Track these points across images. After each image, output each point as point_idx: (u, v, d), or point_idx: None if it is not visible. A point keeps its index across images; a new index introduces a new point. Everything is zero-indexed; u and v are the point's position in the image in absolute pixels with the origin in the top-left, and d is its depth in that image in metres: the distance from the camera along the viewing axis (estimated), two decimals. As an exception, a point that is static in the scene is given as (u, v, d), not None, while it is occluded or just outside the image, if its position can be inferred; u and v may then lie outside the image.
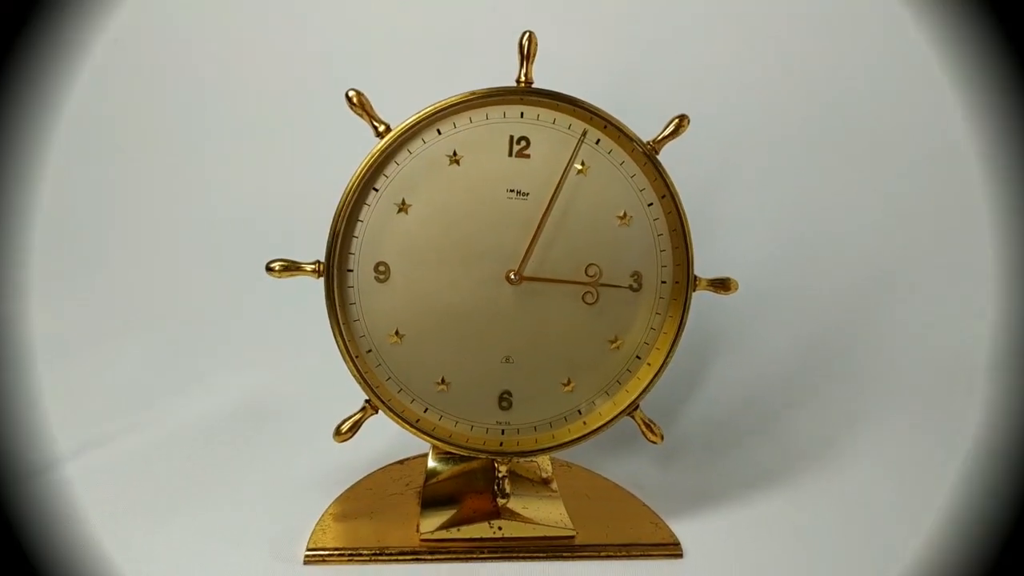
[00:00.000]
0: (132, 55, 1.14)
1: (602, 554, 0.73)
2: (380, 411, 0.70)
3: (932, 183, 1.04)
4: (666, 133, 0.71)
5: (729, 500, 0.85)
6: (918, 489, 0.89)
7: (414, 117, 0.66)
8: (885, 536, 0.80)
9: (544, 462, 0.79)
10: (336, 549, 0.70)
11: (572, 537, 0.74)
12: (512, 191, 0.69)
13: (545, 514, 0.75)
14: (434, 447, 0.76)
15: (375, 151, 0.66)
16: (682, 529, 0.77)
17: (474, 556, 0.71)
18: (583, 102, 0.68)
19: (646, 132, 0.71)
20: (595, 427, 0.74)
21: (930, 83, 1.03)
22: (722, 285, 0.74)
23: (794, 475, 0.90)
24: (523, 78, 0.69)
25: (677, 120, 0.72)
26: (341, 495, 0.78)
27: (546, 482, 0.79)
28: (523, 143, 0.69)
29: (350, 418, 0.70)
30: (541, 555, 0.72)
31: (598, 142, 0.70)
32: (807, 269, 1.03)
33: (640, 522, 0.78)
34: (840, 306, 1.04)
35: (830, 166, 1.04)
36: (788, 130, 1.04)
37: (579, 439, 0.73)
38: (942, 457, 0.93)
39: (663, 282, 0.74)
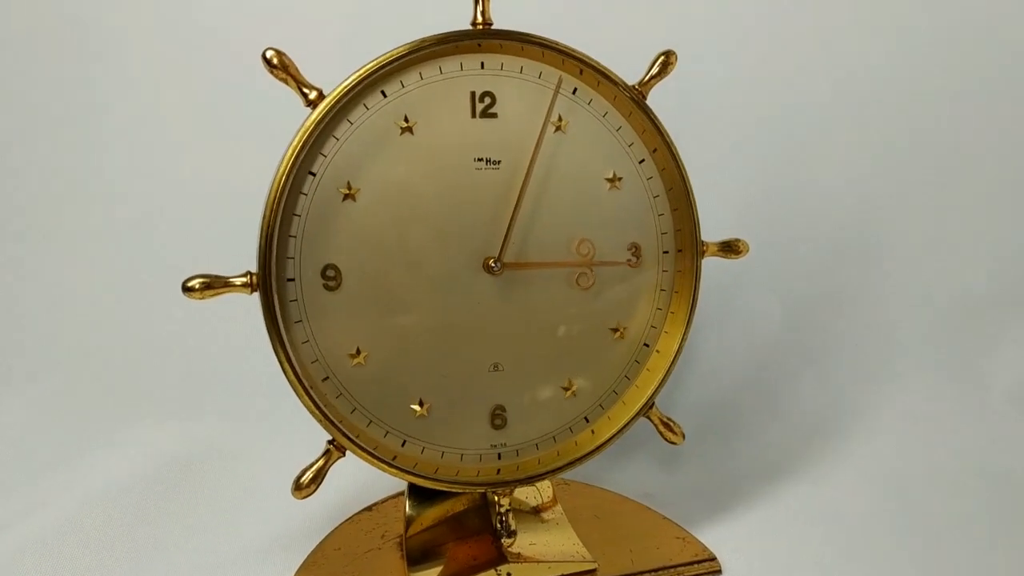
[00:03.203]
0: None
1: (634, 585, 0.61)
2: (348, 451, 0.56)
3: (922, 128, 0.96)
4: (652, 73, 0.61)
5: (750, 494, 0.77)
6: (948, 447, 0.83)
7: (352, 77, 0.53)
8: (925, 504, 0.74)
9: (543, 484, 0.66)
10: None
11: (594, 570, 0.62)
12: (480, 160, 0.57)
13: (557, 547, 0.63)
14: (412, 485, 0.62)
15: (307, 124, 0.52)
16: (710, 537, 0.68)
17: (485, 615, 0.59)
18: (553, 42, 0.57)
19: (627, 76, 0.60)
20: (606, 436, 0.63)
21: (920, 25, 0.94)
22: (731, 248, 0.65)
23: (812, 454, 0.84)
24: (479, 18, 0.57)
25: (663, 57, 0.61)
26: (303, 564, 0.64)
27: (548, 507, 0.66)
28: (487, 100, 0.57)
29: (312, 466, 0.56)
30: (564, 599, 0.60)
31: (575, 91, 0.59)
32: (790, 226, 0.94)
33: (664, 538, 0.67)
34: (831, 263, 0.95)
35: (808, 111, 0.95)
36: (767, 76, 0.94)
37: (589, 454, 0.62)
38: (965, 409, 0.87)
39: (665, 252, 0.63)
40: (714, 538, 0.68)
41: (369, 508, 0.71)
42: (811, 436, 0.85)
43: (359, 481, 0.73)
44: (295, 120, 0.52)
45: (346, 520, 0.69)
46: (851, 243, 0.95)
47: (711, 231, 0.64)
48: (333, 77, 0.53)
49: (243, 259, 0.55)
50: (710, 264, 0.64)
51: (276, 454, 0.77)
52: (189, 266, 0.56)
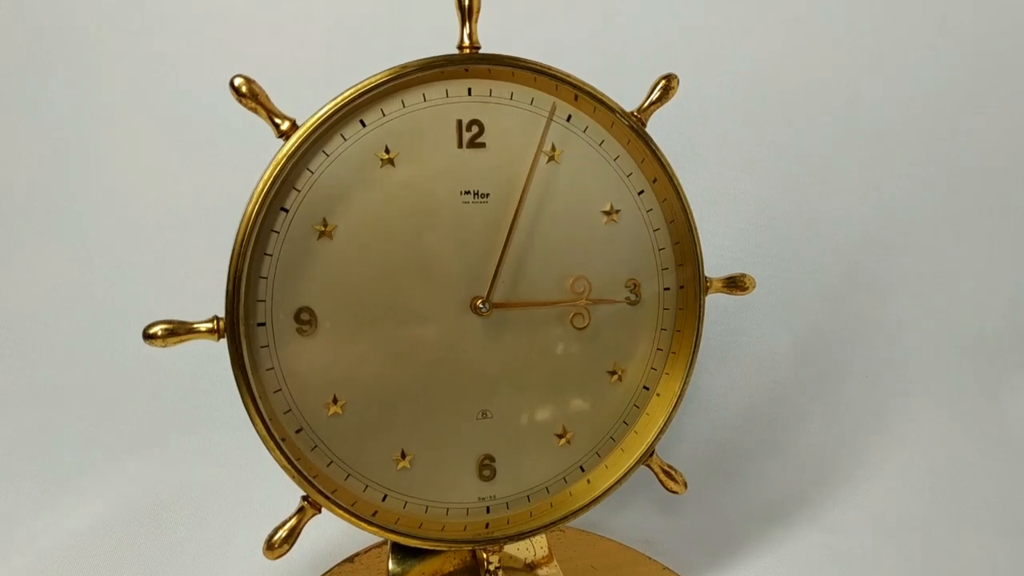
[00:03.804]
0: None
1: (636, 647, 0.57)
2: (324, 508, 0.51)
3: (937, 154, 0.92)
4: (653, 99, 0.57)
5: (756, 541, 0.74)
6: (959, 490, 0.79)
7: (328, 106, 0.49)
8: (937, 547, 0.71)
9: (538, 539, 0.62)
10: None
11: (592, 630, 0.57)
12: (468, 193, 0.53)
13: (553, 606, 0.59)
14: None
15: (279, 157, 0.48)
16: None
17: None
18: (546, 66, 0.53)
19: (625, 102, 0.56)
20: (604, 487, 0.58)
21: (927, 50, 0.90)
22: (737, 285, 0.60)
23: (820, 496, 0.80)
24: (466, 41, 0.53)
25: (664, 81, 0.57)
26: (280, 620, 0.59)
27: (543, 563, 0.62)
28: (475, 129, 0.53)
29: (284, 524, 0.51)
30: (562, 665, 0.56)
31: (569, 119, 0.55)
32: (798, 256, 0.89)
33: None
34: (841, 295, 0.91)
35: (816, 137, 0.90)
36: (772, 100, 0.90)
37: (585, 506, 0.58)
38: (977, 451, 0.82)
39: (666, 289, 0.59)
40: (718, 590, 0.63)
41: (351, 559, 0.67)
42: (820, 478, 0.81)
43: (339, 530, 0.69)
44: (267, 152, 0.48)
45: (326, 572, 0.65)
46: (862, 274, 0.90)
47: (715, 265, 0.60)
48: (312, 105, 0.49)
49: (209, 304, 0.51)
50: (713, 296, 0.60)
51: (252, 498, 0.72)
52: (157, 305, 0.52)
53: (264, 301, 0.49)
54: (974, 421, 0.86)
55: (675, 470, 0.60)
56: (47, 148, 0.89)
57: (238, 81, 0.48)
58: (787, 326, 0.89)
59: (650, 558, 0.67)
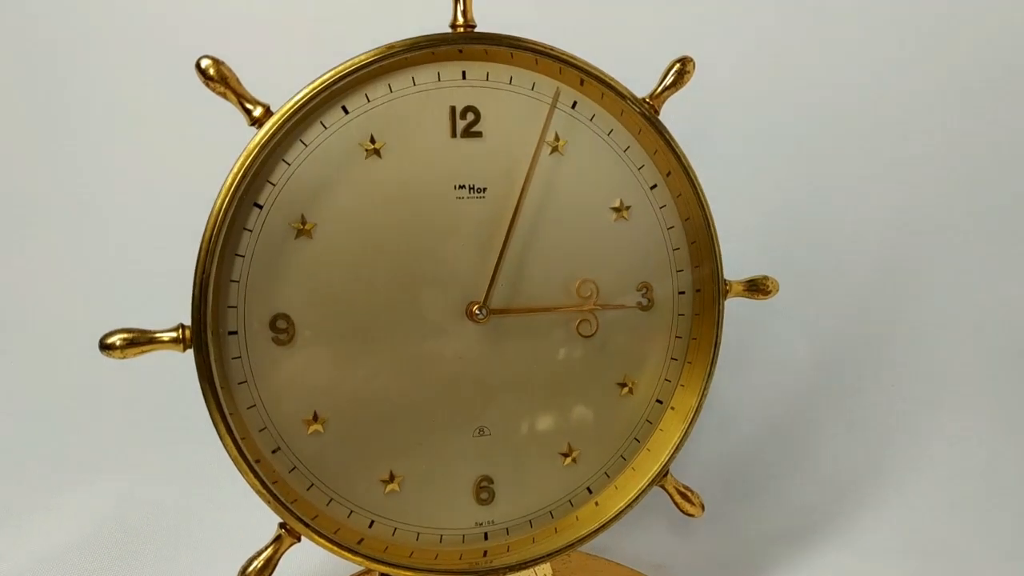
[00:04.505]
0: None
1: None
2: (304, 536, 0.47)
3: (968, 149, 0.86)
4: (666, 84, 0.53)
5: (778, 563, 0.70)
6: (998, 509, 0.75)
7: (305, 90, 0.44)
8: (976, 572, 0.67)
9: (542, 568, 0.57)
10: None
11: (602, 668, 0.53)
12: (462, 188, 0.49)
13: (557, 641, 0.54)
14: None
15: (251, 147, 0.44)
16: None
17: None
18: (548, 47, 0.48)
19: (636, 87, 0.51)
20: (614, 510, 0.54)
21: (963, 35, 0.85)
22: (759, 288, 0.56)
23: (844, 515, 0.75)
24: (460, 19, 0.48)
25: (679, 65, 0.53)
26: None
27: (548, 591, 0.57)
28: (470, 116, 0.49)
29: (260, 554, 0.47)
30: None
31: (575, 105, 0.51)
32: (821, 257, 0.84)
33: None
34: (867, 298, 0.85)
35: (840, 130, 0.85)
36: (793, 90, 0.85)
37: (594, 532, 0.53)
38: (1018, 466, 0.77)
39: (681, 293, 0.55)
40: (736, 618, 0.59)
41: (337, 587, 0.62)
42: (844, 495, 0.77)
43: (322, 558, 0.64)
44: (238, 142, 0.44)
45: (311, 603, 0.60)
46: (888, 276, 0.85)
47: (732, 267, 0.55)
48: (289, 91, 0.45)
49: (175, 312, 0.47)
50: (730, 302, 0.56)
51: (230, 517, 0.68)
52: (127, 312, 0.47)
53: (235, 307, 0.45)
54: (1013, 434, 0.81)
55: (691, 491, 0.55)
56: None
57: (205, 63, 0.43)
58: (807, 333, 0.84)
59: (663, 584, 0.63)
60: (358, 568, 0.60)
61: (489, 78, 0.48)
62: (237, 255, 0.44)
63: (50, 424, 0.82)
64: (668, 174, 0.53)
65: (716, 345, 0.54)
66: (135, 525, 0.71)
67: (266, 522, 0.48)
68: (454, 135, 0.48)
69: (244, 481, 0.46)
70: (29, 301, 0.85)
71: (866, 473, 0.78)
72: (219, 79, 0.44)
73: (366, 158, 0.46)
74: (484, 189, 0.49)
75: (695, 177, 0.52)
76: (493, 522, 0.52)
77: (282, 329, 0.46)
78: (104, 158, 0.85)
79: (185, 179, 0.69)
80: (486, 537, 0.52)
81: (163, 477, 0.76)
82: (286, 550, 0.47)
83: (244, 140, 0.44)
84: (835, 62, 0.84)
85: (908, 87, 0.85)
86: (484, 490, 0.51)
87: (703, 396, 0.54)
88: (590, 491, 0.54)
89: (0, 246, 0.86)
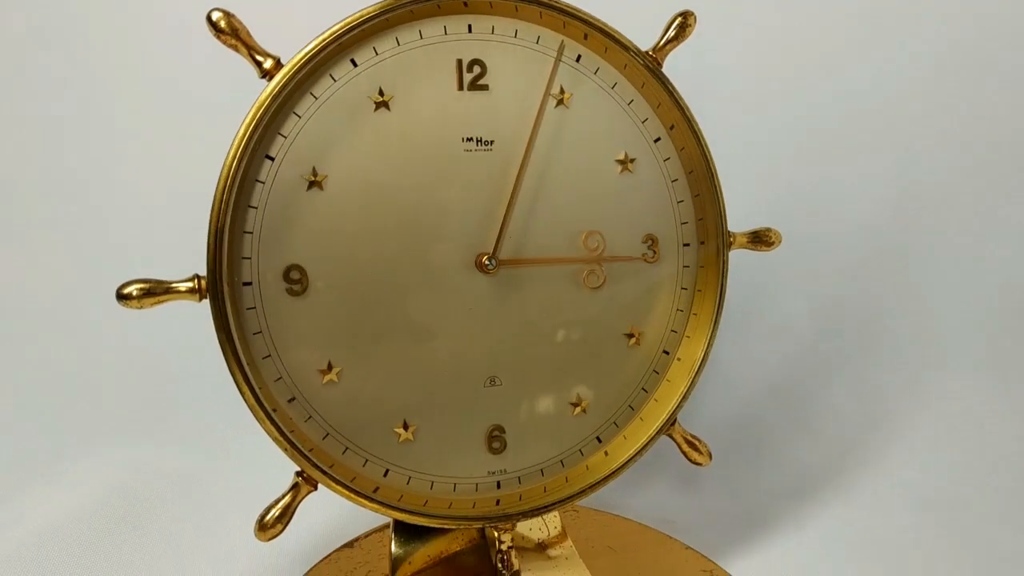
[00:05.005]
0: None
1: (659, 631, 0.53)
2: (320, 484, 0.47)
3: (968, 110, 0.87)
4: (669, 37, 0.53)
5: (782, 519, 0.70)
6: (997, 465, 0.76)
7: (314, 43, 0.45)
8: (976, 524, 0.68)
9: (551, 516, 0.58)
10: None
11: (612, 614, 0.54)
12: (470, 140, 0.49)
13: (568, 587, 0.55)
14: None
15: (261, 99, 0.44)
16: (739, 568, 0.61)
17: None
18: (554, 1, 0.49)
19: (640, 41, 0.52)
20: (622, 459, 0.54)
21: (966, 10, 0.85)
22: (762, 239, 0.57)
23: (846, 471, 0.77)
24: (466, -27, 0.48)
25: (680, 18, 0.54)
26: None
27: (556, 543, 0.57)
28: (477, 70, 0.49)
29: (278, 502, 0.47)
30: (579, 650, 0.52)
31: (579, 59, 0.52)
32: (822, 216, 0.85)
33: (689, 572, 0.61)
34: (867, 259, 0.86)
35: (844, 88, 0.86)
36: (799, 46, 0.85)
37: (603, 480, 0.54)
38: (1016, 424, 0.78)
39: (686, 244, 0.55)
40: (743, 570, 0.61)
41: (351, 544, 0.63)
42: (847, 453, 0.77)
43: (338, 512, 0.65)
44: (249, 95, 0.44)
45: (323, 559, 0.61)
46: (890, 236, 0.86)
47: (734, 220, 0.56)
48: (299, 44, 0.45)
49: (190, 262, 0.47)
50: (732, 267, 0.56)
51: (241, 483, 0.69)
52: (129, 271, 0.48)
53: (249, 258, 0.45)
54: (1009, 392, 0.82)
55: (699, 440, 0.56)
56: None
57: (216, 15, 0.44)
58: (808, 294, 0.85)
59: (671, 537, 0.63)
60: (374, 520, 0.61)
61: (495, 31, 0.49)
62: (250, 207, 0.45)
63: (60, 391, 0.82)
64: (672, 127, 0.53)
65: (721, 296, 0.54)
66: (146, 486, 0.71)
67: (274, 492, 0.48)
68: (461, 88, 0.49)
69: (259, 445, 0.46)
70: (39, 271, 0.85)
71: (869, 432, 0.79)
72: (230, 31, 0.44)
73: (375, 110, 0.47)
74: (491, 142, 0.49)
75: (699, 130, 0.53)
76: (505, 471, 0.52)
77: (295, 280, 0.46)
78: (118, 115, 0.85)
79: (197, 135, 0.69)
80: (499, 486, 0.52)
81: (173, 445, 0.77)
82: (303, 498, 0.48)
83: (253, 97, 0.44)
84: (841, 30, 0.84)
85: (915, 51, 0.85)
86: (496, 439, 0.52)
87: (709, 347, 0.55)
88: (599, 440, 0.55)
89: (15, 206, 0.86)
